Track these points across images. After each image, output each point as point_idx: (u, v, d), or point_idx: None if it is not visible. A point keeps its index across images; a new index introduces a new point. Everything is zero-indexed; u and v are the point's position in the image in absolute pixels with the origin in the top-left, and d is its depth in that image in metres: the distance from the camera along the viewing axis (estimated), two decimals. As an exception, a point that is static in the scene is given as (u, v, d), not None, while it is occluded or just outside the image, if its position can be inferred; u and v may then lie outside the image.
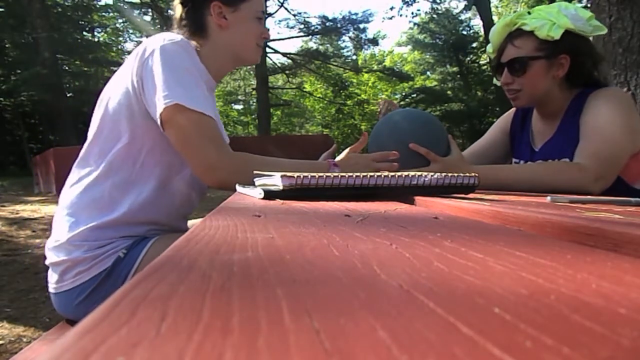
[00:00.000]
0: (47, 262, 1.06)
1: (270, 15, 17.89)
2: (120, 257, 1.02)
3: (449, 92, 21.48)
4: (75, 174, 1.09)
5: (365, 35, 20.48)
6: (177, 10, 1.16)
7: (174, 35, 1.06)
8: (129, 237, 1.05)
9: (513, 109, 1.46)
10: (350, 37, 20.82)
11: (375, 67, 24.40)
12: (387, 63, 26.53)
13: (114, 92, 1.06)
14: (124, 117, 1.03)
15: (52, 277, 1.05)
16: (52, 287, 1.05)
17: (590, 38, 1.25)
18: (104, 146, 1.05)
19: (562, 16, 1.16)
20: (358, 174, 0.64)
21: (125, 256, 1.02)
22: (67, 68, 18.99)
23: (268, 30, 1.21)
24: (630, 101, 1.22)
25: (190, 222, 1.24)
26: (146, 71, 1.00)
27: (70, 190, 1.07)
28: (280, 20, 31.10)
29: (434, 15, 20.74)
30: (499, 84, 1.31)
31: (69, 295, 1.02)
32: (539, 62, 1.20)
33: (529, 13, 1.23)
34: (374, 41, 21.40)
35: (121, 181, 1.04)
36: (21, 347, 1.60)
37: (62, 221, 1.05)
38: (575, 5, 1.29)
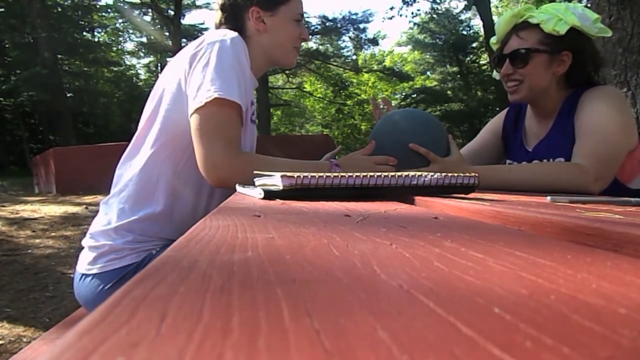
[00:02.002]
0: (84, 244, 1.08)
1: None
2: (152, 254, 1.04)
3: (449, 92, 21.49)
4: (124, 163, 1.11)
5: (365, 35, 20.49)
6: (216, 16, 1.19)
7: (232, 33, 1.08)
8: (171, 240, 1.06)
9: (504, 111, 1.46)
10: (350, 37, 20.83)
11: (375, 67, 24.40)
12: (387, 63, 26.53)
13: (168, 86, 1.08)
14: (175, 108, 1.05)
15: (87, 258, 1.05)
16: (83, 268, 1.05)
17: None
18: (156, 136, 1.07)
19: (569, 13, 1.16)
20: (358, 174, 0.64)
21: (157, 253, 1.03)
22: (67, 68, 19.01)
23: (307, 31, 1.22)
24: (624, 99, 1.21)
25: None
26: (196, 60, 1.02)
27: (121, 179, 1.09)
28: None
29: (434, 15, 20.74)
30: (498, 77, 1.30)
31: (95, 280, 1.03)
32: (541, 56, 1.19)
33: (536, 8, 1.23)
34: (374, 41, 21.40)
35: (171, 173, 1.06)
36: (21, 347, 1.60)
37: (111, 208, 1.07)
38: (583, 6, 1.29)
